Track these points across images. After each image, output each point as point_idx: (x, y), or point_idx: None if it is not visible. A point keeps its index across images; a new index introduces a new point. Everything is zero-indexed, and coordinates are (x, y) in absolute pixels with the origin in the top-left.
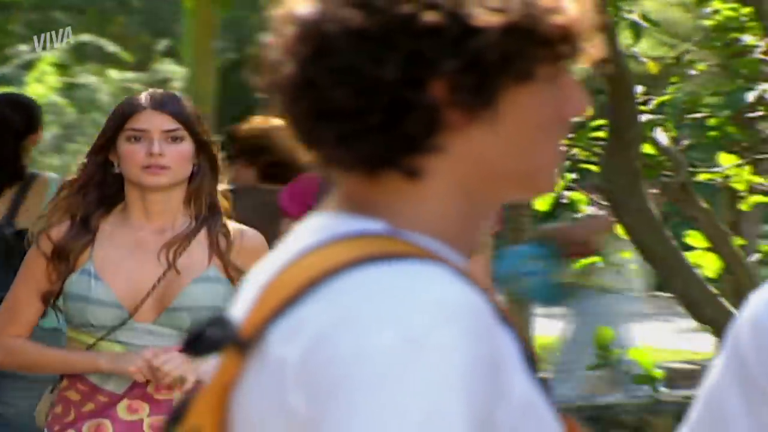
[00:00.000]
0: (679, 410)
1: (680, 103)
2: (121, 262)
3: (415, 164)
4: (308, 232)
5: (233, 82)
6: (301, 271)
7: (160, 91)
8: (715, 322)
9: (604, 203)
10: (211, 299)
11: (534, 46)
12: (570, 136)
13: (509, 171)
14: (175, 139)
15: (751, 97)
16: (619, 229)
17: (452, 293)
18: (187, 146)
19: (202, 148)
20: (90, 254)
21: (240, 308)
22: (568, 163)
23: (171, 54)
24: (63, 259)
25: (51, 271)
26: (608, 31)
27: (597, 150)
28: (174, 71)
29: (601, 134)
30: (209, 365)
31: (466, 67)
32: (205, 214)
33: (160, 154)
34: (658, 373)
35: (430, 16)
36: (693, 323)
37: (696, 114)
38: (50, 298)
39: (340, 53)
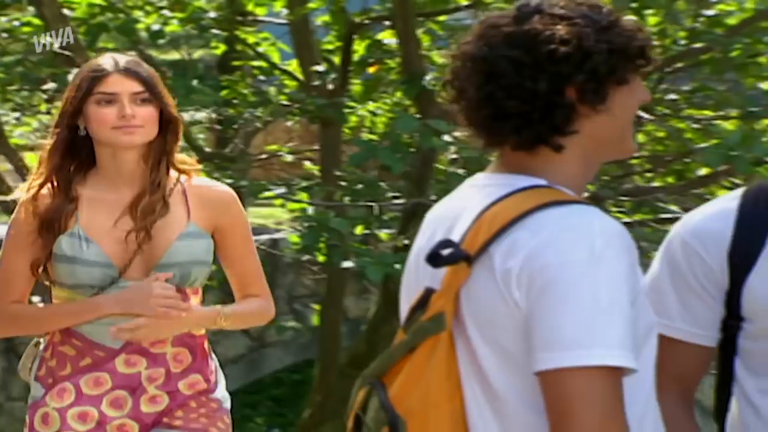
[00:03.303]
0: None
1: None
2: (105, 223)
3: (560, 142)
4: (490, 186)
5: None
6: (507, 210)
7: (121, 55)
8: None
9: None
10: (196, 253)
11: (627, 61)
12: None
13: (613, 141)
14: (143, 101)
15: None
16: None
17: (610, 223)
18: (153, 107)
19: (162, 109)
20: (76, 219)
21: (452, 234)
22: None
23: None
24: (50, 227)
25: (38, 239)
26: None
27: None
28: None
29: None
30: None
31: (588, 79)
32: (169, 172)
33: (133, 116)
34: None
35: (563, 49)
36: None
37: None
38: (39, 266)
39: (507, 76)
